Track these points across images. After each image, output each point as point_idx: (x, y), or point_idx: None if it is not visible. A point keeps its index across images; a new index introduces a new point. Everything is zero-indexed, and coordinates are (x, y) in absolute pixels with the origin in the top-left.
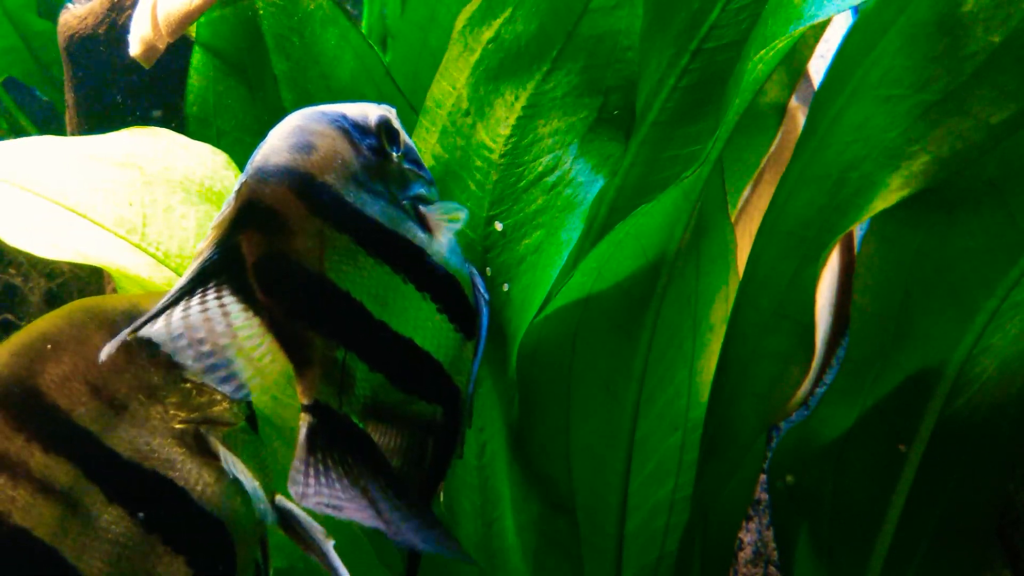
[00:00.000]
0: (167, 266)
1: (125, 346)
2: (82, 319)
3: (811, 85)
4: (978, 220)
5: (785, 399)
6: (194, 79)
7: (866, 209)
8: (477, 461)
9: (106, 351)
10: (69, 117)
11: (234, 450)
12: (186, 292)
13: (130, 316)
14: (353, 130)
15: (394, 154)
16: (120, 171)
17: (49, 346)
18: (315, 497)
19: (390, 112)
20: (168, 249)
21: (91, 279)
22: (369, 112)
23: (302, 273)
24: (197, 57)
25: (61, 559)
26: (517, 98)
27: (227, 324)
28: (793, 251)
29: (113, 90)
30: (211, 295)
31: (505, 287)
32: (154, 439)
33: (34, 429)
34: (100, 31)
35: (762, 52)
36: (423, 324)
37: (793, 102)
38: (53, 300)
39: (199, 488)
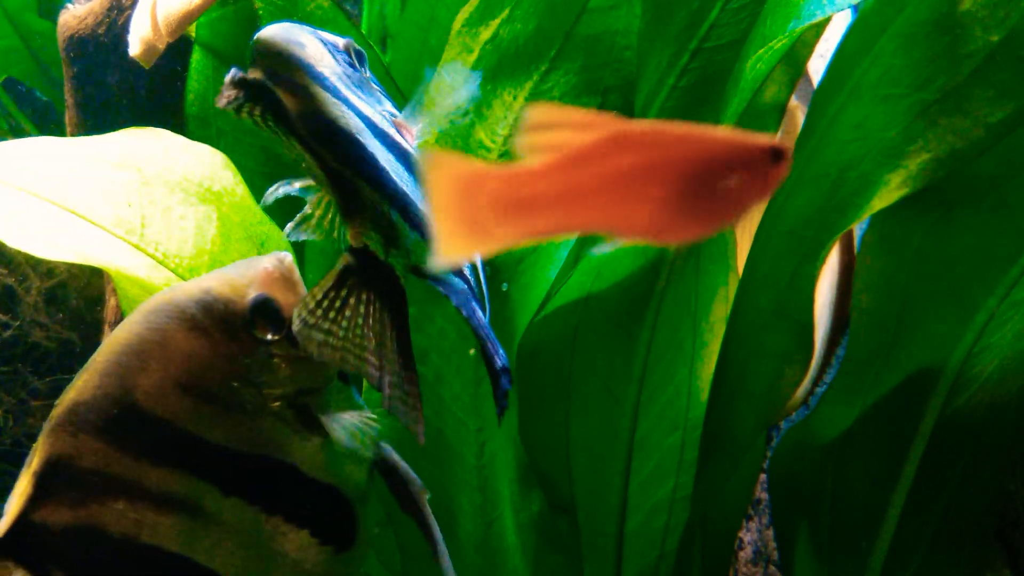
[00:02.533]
0: (166, 266)
1: (208, 337)
2: (159, 320)
3: (810, 84)
4: (977, 219)
5: (785, 398)
6: (194, 79)
7: (865, 208)
8: (477, 461)
9: None
10: (69, 117)
11: (330, 409)
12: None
13: (203, 303)
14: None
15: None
16: (119, 172)
17: (135, 358)
18: (313, 330)
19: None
20: (167, 249)
21: (90, 279)
22: None
23: (336, 127)
24: (197, 57)
25: (195, 565)
26: (515, 98)
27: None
28: (792, 250)
29: (112, 90)
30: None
31: (504, 287)
32: (254, 423)
33: (140, 446)
34: (100, 31)
35: (761, 51)
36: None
37: (792, 101)
38: (50, 300)
39: (307, 460)
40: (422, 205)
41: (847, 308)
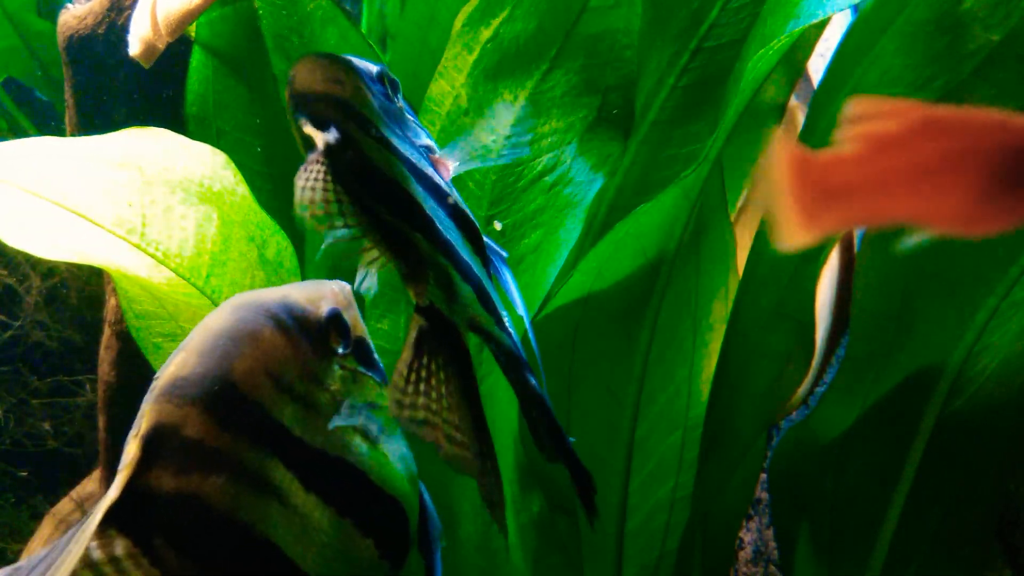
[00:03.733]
0: (167, 266)
1: (290, 337)
2: (248, 314)
3: (811, 84)
4: None
5: (785, 398)
6: (193, 79)
7: None
8: None
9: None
10: (69, 117)
11: (391, 430)
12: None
13: (286, 306)
14: None
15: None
16: (120, 171)
17: (231, 343)
18: (409, 410)
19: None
20: (168, 249)
21: (90, 279)
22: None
23: (383, 176)
24: (196, 57)
25: (282, 553)
26: (516, 97)
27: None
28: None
29: (113, 90)
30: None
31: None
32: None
33: (238, 425)
34: (100, 31)
35: (761, 51)
36: (469, 256)
37: (793, 101)
38: (51, 300)
39: (375, 470)
40: (466, 254)
41: (847, 308)
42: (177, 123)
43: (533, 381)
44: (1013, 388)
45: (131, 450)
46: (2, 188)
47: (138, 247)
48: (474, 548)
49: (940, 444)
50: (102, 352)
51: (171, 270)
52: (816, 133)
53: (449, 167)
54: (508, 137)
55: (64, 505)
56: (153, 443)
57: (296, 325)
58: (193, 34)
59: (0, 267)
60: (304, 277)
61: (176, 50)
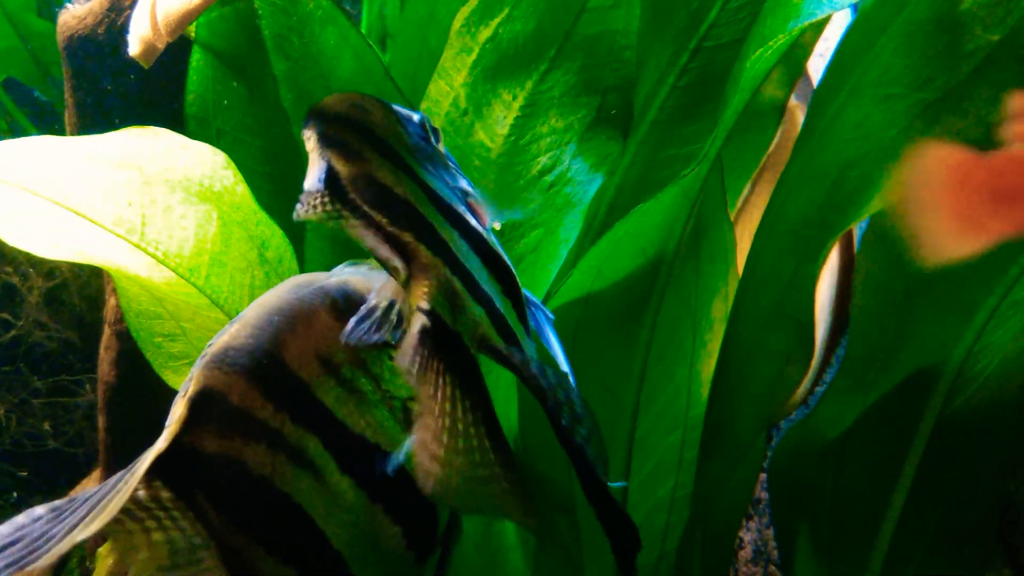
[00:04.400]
0: (166, 265)
1: (343, 320)
2: (307, 294)
3: (810, 84)
4: None
5: (785, 398)
6: (193, 79)
7: (866, 207)
8: None
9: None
10: (69, 117)
11: None
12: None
13: (344, 291)
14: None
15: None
16: (120, 171)
17: (284, 320)
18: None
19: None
20: (168, 249)
21: (91, 279)
22: None
23: (391, 194)
24: (196, 57)
25: (314, 524)
26: (515, 97)
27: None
28: (793, 250)
29: (112, 90)
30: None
31: None
32: (371, 411)
33: (282, 400)
34: (99, 31)
35: (761, 51)
36: (495, 294)
37: (792, 101)
38: (52, 300)
39: (412, 462)
40: (487, 286)
41: (847, 307)
42: (177, 123)
43: (566, 423)
44: (1013, 388)
45: (178, 409)
46: (2, 187)
47: (138, 247)
48: (474, 548)
49: (940, 444)
50: (102, 352)
51: (171, 270)
52: (816, 133)
53: (486, 214)
54: (507, 137)
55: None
56: (199, 405)
57: (352, 311)
58: (193, 34)
59: (1, 268)
60: (304, 271)
61: (176, 50)
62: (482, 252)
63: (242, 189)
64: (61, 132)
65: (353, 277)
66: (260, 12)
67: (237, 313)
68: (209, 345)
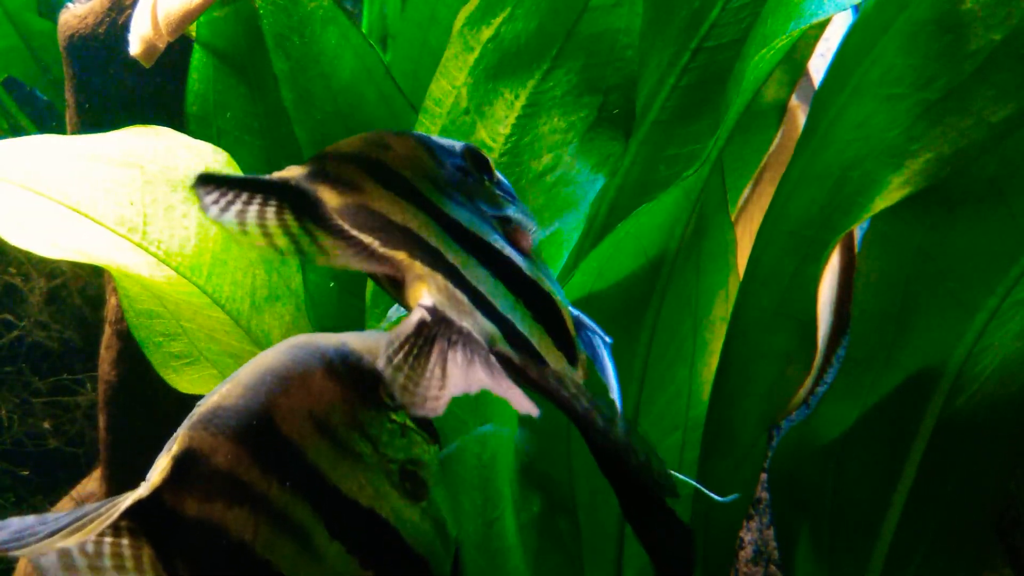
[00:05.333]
0: (168, 265)
1: (341, 382)
2: (302, 354)
3: (811, 84)
4: (979, 218)
5: (786, 398)
6: (194, 78)
7: (867, 208)
8: (477, 460)
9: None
10: (69, 117)
11: (435, 488)
12: (258, 189)
13: (342, 352)
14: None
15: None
16: (121, 170)
17: (278, 381)
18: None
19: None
20: (169, 248)
21: (92, 279)
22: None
23: (388, 221)
24: (197, 56)
25: None
26: (517, 97)
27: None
28: (794, 250)
29: (113, 89)
30: (284, 215)
31: None
32: (366, 476)
33: (271, 461)
34: (100, 31)
35: (762, 51)
36: (520, 320)
37: (793, 101)
38: (53, 300)
39: (407, 526)
40: (509, 311)
41: (848, 308)
42: (178, 122)
43: (606, 442)
44: (1013, 388)
45: (161, 463)
46: (3, 187)
47: (139, 246)
48: (474, 548)
49: (940, 444)
50: (103, 351)
51: (172, 269)
52: (817, 133)
53: (530, 239)
54: (509, 136)
55: (64, 505)
56: (183, 466)
57: (349, 372)
58: (194, 33)
59: (2, 266)
60: (305, 277)
61: (177, 49)
62: (511, 281)
63: None
64: (61, 132)
65: (351, 337)
66: (261, 12)
67: (238, 312)
68: (198, 404)
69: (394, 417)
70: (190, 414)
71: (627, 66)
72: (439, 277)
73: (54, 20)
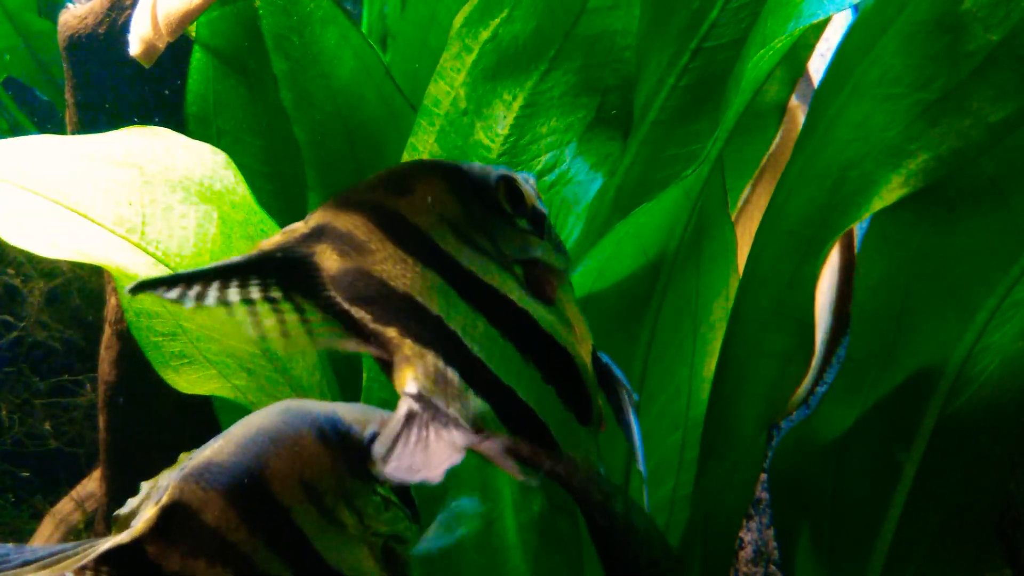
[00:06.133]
0: (167, 265)
1: (331, 451)
2: (295, 418)
3: (811, 84)
4: (978, 218)
5: (785, 398)
6: (194, 78)
7: (866, 208)
8: (477, 460)
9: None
10: (69, 117)
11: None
12: (232, 274)
13: (332, 420)
14: None
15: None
16: (120, 170)
17: (270, 442)
18: (395, 461)
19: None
20: (168, 248)
21: (91, 279)
22: None
23: (386, 288)
24: (197, 56)
25: None
26: (515, 98)
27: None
28: (793, 250)
29: (113, 89)
30: (270, 291)
31: None
32: (349, 547)
33: (258, 523)
34: (100, 31)
35: (762, 51)
36: (526, 384)
37: (793, 101)
38: (53, 300)
39: None
40: (513, 375)
41: (847, 308)
42: (177, 122)
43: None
44: (1013, 388)
45: (148, 514)
46: (2, 187)
47: (138, 246)
48: (474, 548)
49: (940, 444)
50: (102, 352)
51: (171, 269)
52: (817, 133)
53: (554, 283)
54: (507, 137)
55: (64, 505)
56: (170, 518)
57: (339, 441)
58: (193, 34)
59: (1, 267)
60: None
61: (176, 49)
62: (522, 338)
63: (243, 189)
64: (61, 132)
65: (342, 407)
66: (261, 12)
67: None
68: (190, 458)
69: (379, 490)
70: (182, 465)
71: (625, 67)
72: (429, 358)
73: (54, 20)
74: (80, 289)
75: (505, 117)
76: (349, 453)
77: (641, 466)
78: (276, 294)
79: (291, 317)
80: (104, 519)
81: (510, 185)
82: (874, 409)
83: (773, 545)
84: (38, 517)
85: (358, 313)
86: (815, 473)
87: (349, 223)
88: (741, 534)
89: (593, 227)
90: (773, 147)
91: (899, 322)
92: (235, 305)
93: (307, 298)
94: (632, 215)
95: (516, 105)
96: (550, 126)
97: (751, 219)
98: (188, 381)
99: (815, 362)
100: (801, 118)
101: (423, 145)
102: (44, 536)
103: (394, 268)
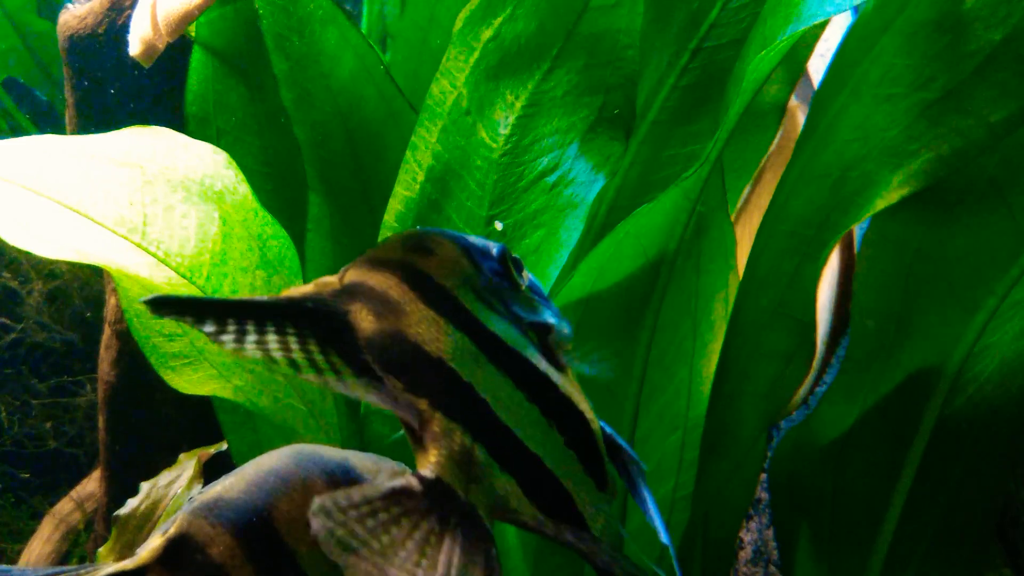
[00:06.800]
0: (167, 265)
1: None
2: (306, 462)
3: (811, 84)
4: (978, 218)
5: (785, 398)
6: (193, 78)
7: (867, 208)
8: None
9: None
10: (69, 117)
11: None
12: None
13: (344, 467)
14: None
15: None
16: (121, 170)
17: (281, 483)
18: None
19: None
20: (169, 248)
21: (91, 280)
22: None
23: (420, 353)
24: (196, 56)
25: None
26: (517, 97)
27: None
28: (793, 250)
29: (113, 90)
30: (307, 343)
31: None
32: None
33: (264, 562)
34: (100, 31)
35: (762, 51)
36: (550, 450)
37: (793, 101)
38: (53, 300)
39: None
40: (538, 442)
41: (847, 308)
42: (177, 122)
43: None
44: (1013, 388)
45: (154, 542)
46: (2, 186)
47: (139, 246)
48: None
49: (940, 444)
50: (102, 352)
51: (172, 269)
52: (817, 133)
53: (565, 347)
54: (509, 137)
55: (64, 505)
56: (176, 549)
57: (350, 487)
58: (193, 34)
59: (2, 269)
60: (305, 277)
61: (176, 50)
62: (546, 403)
63: (243, 189)
64: (61, 132)
65: (354, 455)
66: (260, 12)
67: None
68: (201, 492)
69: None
70: (190, 499)
71: (627, 66)
72: (457, 435)
73: (54, 20)
74: (80, 289)
75: (507, 117)
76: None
77: (664, 538)
78: (313, 348)
79: (329, 377)
80: (104, 519)
81: (510, 255)
82: (874, 409)
83: (773, 545)
84: (38, 517)
85: (391, 382)
86: (815, 473)
87: (384, 282)
88: (741, 534)
89: (593, 227)
90: (773, 147)
91: (899, 322)
92: (277, 357)
93: (344, 360)
94: (632, 215)
95: (518, 105)
96: (552, 126)
97: (751, 219)
98: (188, 381)
99: (815, 362)
100: (801, 118)
101: (425, 144)
102: (44, 536)
103: (428, 331)
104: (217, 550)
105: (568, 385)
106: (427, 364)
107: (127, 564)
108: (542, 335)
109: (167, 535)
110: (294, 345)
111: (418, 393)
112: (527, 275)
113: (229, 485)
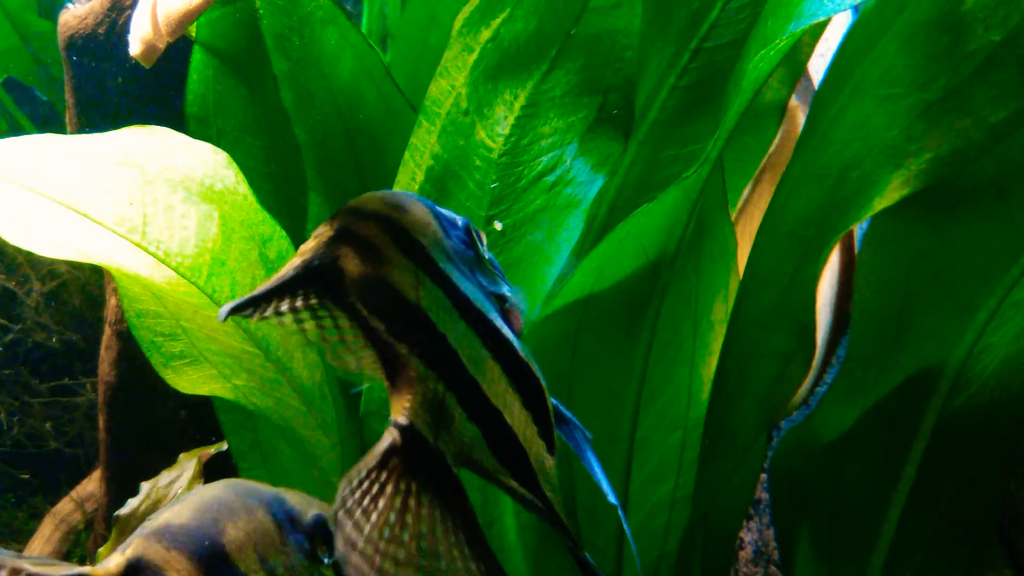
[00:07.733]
0: (167, 265)
1: (280, 527)
2: (244, 494)
3: (811, 84)
4: (978, 219)
5: (786, 398)
6: (194, 79)
7: (867, 208)
8: None
9: None
10: (69, 117)
11: None
12: (286, 289)
13: (279, 500)
14: None
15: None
16: (121, 170)
17: (226, 511)
18: (351, 519)
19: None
20: (169, 248)
21: (91, 280)
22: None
23: (400, 299)
24: (197, 57)
25: None
26: (516, 97)
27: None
28: (793, 250)
29: (113, 89)
30: (310, 299)
31: (504, 287)
32: None
33: None
34: (100, 31)
35: (762, 51)
36: (510, 407)
37: (793, 101)
38: (53, 301)
39: None
40: (501, 398)
41: (847, 308)
42: (178, 122)
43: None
44: (1013, 388)
45: (115, 560)
46: (3, 186)
47: (139, 246)
48: None
49: (940, 444)
50: (102, 352)
51: (172, 269)
52: (817, 133)
53: (520, 320)
54: (508, 137)
55: (64, 505)
56: (136, 570)
57: (286, 519)
58: (193, 34)
59: (1, 269)
60: None
61: (176, 50)
62: (506, 362)
63: (243, 189)
64: (61, 132)
65: (287, 491)
66: (261, 12)
67: None
68: (150, 519)
69: (324, 572)
70: (142, 525)
71: (626, 67)
72: (430, 382)
73: (54, 20)
74: (80, 290)
75: (506, 117)
76: (295, 531)
77: (612, 499)
78: (314, 301)
79: (327, 323)
80: (104, 519)
81: (474, 227)
82: (874, 409)
83: (773, 545)
84: (38, 517)
85: (375, 323)
86: (815, 473)
87: (367, 230)
88: (741, 534)
89: (593, 227)
90: (773, 147)
91: (899, 322)
92: (286, 316)
93: (336, 304)
94: (632, 215)
95: (518, 105)
96: (551, 126)
97: (751, 219)
98: (188, 381)
99: (815, 362)
100: (801, 118)
101: (424, 144)
102: (44, 536)
103: (407, 279)
104: (175, 572)
105: (527, 352)
106: (407, 310)
107: (99, 571)
108: (502, 304)
109: (126, 556)
110: (299, 301)
111: (398, 337)
112: (486, 251)
113: (176, 511)
